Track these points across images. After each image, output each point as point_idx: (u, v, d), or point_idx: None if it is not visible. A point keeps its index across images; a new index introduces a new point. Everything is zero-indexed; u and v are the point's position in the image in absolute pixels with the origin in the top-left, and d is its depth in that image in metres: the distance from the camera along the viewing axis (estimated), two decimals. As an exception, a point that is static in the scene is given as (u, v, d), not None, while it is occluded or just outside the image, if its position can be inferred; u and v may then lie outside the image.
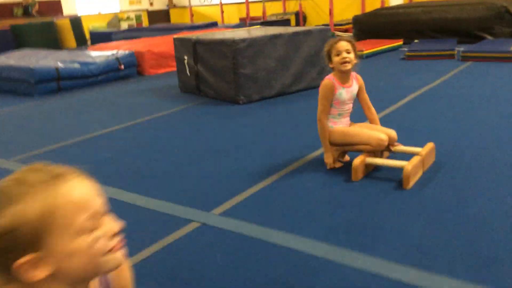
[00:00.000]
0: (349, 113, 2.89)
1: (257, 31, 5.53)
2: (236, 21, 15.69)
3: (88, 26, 15.12)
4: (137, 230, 2.28)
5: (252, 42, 4.77)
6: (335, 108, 2.80)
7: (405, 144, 3.03)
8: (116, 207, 2.70)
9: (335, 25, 12.69)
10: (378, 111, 4.14)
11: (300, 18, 14.88)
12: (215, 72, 5.06)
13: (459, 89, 4.78)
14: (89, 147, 3.76)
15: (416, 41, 8.14)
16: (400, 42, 8.33)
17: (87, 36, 14.36)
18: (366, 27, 9.12)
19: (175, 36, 5.68)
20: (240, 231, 2.19)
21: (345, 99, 2.79)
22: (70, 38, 13.87)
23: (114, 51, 7.26)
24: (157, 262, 2.01)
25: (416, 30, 8.50)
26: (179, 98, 5.46)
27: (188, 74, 5.49)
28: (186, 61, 5.46)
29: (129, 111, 4.98)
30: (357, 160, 2.66)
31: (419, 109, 4.13)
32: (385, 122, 3.70)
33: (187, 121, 4.39)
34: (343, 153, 2.94)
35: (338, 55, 2.71)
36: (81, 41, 13.99)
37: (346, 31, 12.06)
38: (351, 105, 2.87)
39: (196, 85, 5.41)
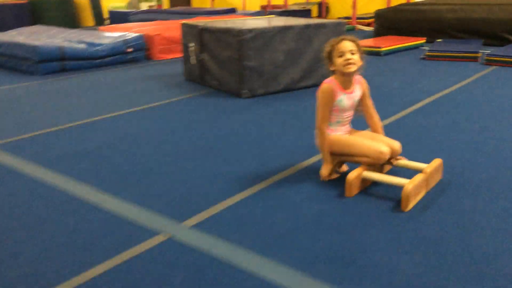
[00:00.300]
0: (349, 121, 2.61)
1: (268, 22, 5.24)
2: (257, 8, 15.34)
3: (107, 5, 14.97)
4: (97, 240, 2.06)
5: (259, 33, 4.49)
6: (334, 115, 2.52)
7: (410, 157, 2.75)
8: (81, 210, 2.41)
9: (358, 18, 12.28)
10: (387, 116, 3.88)
11: (323, 8, 14.47)
12: (220, 62, 4.80)
13: (479, 97, 4.43)
14: (73, 136, 3.55)
15: (438, 40, 7.74)
16: (422, 40, 7.93)
17: (107, 15, 14.21)
18: (388, 22, 8.72)
19: (183, 21, 5.41)
20: (209, 249, 1.95)
21: (346, 106, 2.50)
22: (88, 17, 13.73)
23: (124, 33, 7.04)
24: (109, 280, 1.77)
25: (440, 28, 8.08)
26: (182, 87, 5.22)
27: (193, 62, 5.23)
28: (192, 49, 5.21)
29: (127, 98, 4.75)
30: (353, 174, 2.39)
31: (432, 116, 3.80)
32: (392, 129, 3.42)
33: (184, 113, 4.15)
34: (340, 163, 2.67)
35: (341, 56, 2.42)
36: (99, 20, 13.84)
37: (368, 25, 11.65)
38: (352, 112, 2.59)
39: (201, 74, 5.16)
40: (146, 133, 3.58)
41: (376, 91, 4.74)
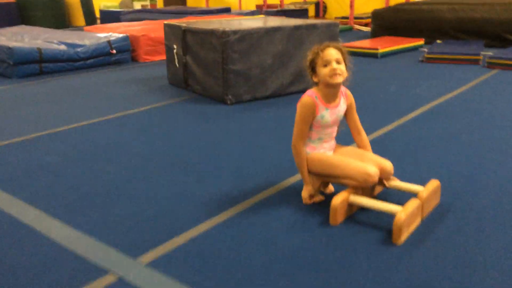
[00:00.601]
0: (333, 137, 2.30)
1: (256, 22, 4.93)
2: (253, 7, 15.02)
3: (100, 4, 14.64)
4: (35, 279, 1.74)
5: (245, 35, 4.17)
6: (315, 132, 2.21)
7: (404, 174, 2.45)
8: (24, 239, 1.95)
9: (356, 18, 11.97)
10: (380, 125, 3.56)
11: (320, 8, 14.18)
12: (204, 66, 4.48)
13: (480, 103, 4.11)
14: (33, 148, 3.22)
15: (438, 41, 7.43)
16: (421, 42, 7.62)
17: (97, 14, 13.89)
18: (386, 22, 8.40)
19: (166, 21, 5.10)
20: (163, 296, 1.64)
21: (329, 122, 2.19)
22: (79, 16, 13.39)
23: (108, 34, 6.72)
24: None
25: (439, 29, 7.77)
26: (165, 91, 4.90)
27: (177, 65, 4.92)
28: (175, 51, 4.89)
29: (104, 104, 4.44)
30: (337, 199, 2.07)
31: (430, 126, 3.49)
32: (385, 141, 3.11)
33: (162, 121, 3.83)
34: (325, 183, 2.36)
35: (325, 65, 2.11)
36: (90, 20, 13.50)
37: (366, 25, 11.34)
38: (336, 128, 2.28)
39: (184, 78, 4.85)
40: (117, 145, 3.26)
41: (370, 97, 4.45)
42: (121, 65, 6.57)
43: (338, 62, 2.11)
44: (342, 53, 2.12)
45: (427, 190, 2.14)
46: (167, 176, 2.69)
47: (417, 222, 2.06)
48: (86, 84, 5.36)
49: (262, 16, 7.01)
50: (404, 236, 1.95)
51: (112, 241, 2.00)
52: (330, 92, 2.16)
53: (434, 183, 2.21)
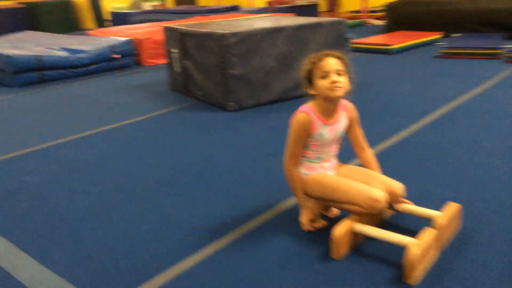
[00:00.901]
0: (334, 156, 2.02)
1: (258, 22, 4.65)
2: (264, 4, 14.71)
3: (110, 6, 14.50)
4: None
5: (245, 37, 3.90)
6: (312, 151, 1.94)
7: (419, 194, 2.15)
8: None
9: (370, 11, 11.58)
10: (390, 133, 3.24)
11: (332, 2, 13.78)
12: (204, 70, 4.23)
13: (502, 104, 3.76)
14: (18, 167, 3.00)
15: (457, 35, 7.04)
16: (438, 36, 7.24)
17: (108, 16, 13.74)
18: (401, 16, 8.03)
19: (165, 24, 4.86)
20: None
21: (327, 141, 1.91)
22: (88, 19, 13.28)
23: (111, 38, 6.52)
24: None
25: (458, 22, 7.36)
26: (164, 98, 4.66)
27: (177, 70, 4.68)
28: (175, 55, 4.65)
29: (100, 114, 4.22)
30: (340, 229, 1.79)
31: (447, 133, 3.17)
32: (397, 152, 2.80)
33: (157, 133, 3.58)
34: (327, 206, 2.08)
35: (324, 77, 1.83)
36: (100, 22, 13.38)
37: (379, 18, 10.94)
38: (336, 146, 1.99)
39: (184, 83, 4.60)
40: (105, 162, 3.03)
41: (383, 98, 4.13)
42: (124, 70, 6.36)
43: (338, 74, 1.83)
44: (344, 63, 1.84)
45: (446, 216, 1.84)
46: (154, 199, 2.43)
47: (433, 255, 1.77)
48: (85, 92, 5.16)
49: (269, 15, 6.71)
50: (418, 274, 1.66)
51: (83, 280, 1.75)
52: (329, 107, 1.88)
53: (453, 207, 1.91)
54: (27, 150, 3.31)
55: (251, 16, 6.04)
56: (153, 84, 5.37)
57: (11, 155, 3.24)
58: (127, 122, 3.88)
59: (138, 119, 3.96)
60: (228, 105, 3.98)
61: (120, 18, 12.51)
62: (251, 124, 3.64)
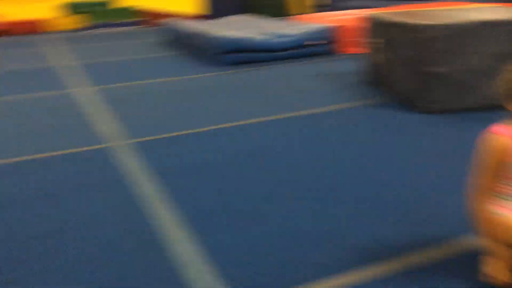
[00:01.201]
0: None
1: (478, 13, 3.99)
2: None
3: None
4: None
5: (450, 31, 3.36)
6: (507, 185, 1.47)
7: None
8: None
9: None
10: None
11: None
12: (401, 65, 3.81)
13: None
14: (202, 141, 3.13)
15: None
16: None
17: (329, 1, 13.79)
18: None
19: (370, 12, 4.55)
20: None
21: (530, 173, 1.43)
22: (299, 4, 13.56)
23: (309, 25, 6.48)
24: None
25: None
26: (353, 91, 4.39)
27: (374, 62, 4.35)
28: (373, 46, 4.32)
29: (281, 100, 4.23)
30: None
31: None
32: None
33: (332, 129, 3.34)
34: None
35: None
36: (312, 8, 13.54)
37: None
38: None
39: (377, 77, 4.25)
40: (261, 151, 2.94)
41: None
42: (320, 57, 6.25)
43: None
44: None
45: None
46: (311, 203, 2.23)
47: None
48: (274, 77, 5.22)
49: (496, 5, 5.79)
50: None
51: (228, 272, 1.66)
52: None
53: None
54: (214, 127, 3.45)
55: (470, 6, 5.29)
56: (345, 74, 5.14)
57: (197, 130, 3.41)
58: (302, 113, 3.74)
59: (316, 111, 3.77)
60: (423, 106, 3.52)
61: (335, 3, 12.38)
62: (447, 131, 3.15)
